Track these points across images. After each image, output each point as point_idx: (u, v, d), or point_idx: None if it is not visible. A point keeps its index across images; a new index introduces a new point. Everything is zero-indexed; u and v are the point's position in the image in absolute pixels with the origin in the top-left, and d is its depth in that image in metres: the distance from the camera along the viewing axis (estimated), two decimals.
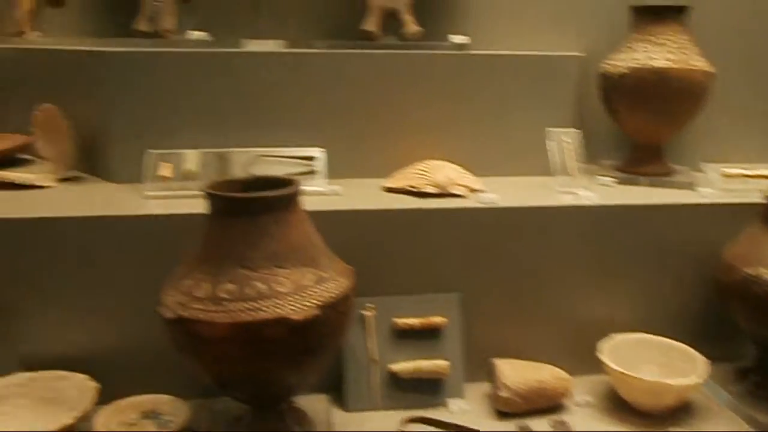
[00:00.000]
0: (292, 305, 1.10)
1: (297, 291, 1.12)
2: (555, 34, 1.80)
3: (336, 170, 1.57)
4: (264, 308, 1.09)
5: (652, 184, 1.62)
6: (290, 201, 1.16)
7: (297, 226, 1.17)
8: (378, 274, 1.43)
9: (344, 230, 1.39)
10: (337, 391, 1.41)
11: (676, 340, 1.47)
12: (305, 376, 1.21)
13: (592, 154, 1.75)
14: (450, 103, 1.64)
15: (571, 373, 1.46)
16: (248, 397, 1.24)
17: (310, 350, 1.15)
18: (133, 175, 1.55)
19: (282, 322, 1.09)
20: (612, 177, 1.65)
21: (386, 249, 1.44)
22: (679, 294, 1.54)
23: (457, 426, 1.33)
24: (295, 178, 1.21)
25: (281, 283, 1.11)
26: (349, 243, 1.36)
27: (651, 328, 1.51)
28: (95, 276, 1.37)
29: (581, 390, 1.46)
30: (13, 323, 1.38)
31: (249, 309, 1.09)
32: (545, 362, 1.45)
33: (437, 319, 1.43)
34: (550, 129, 1.58)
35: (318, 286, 1.14)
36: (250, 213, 1.12)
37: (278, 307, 1.10)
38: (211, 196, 1.14)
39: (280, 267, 1.12)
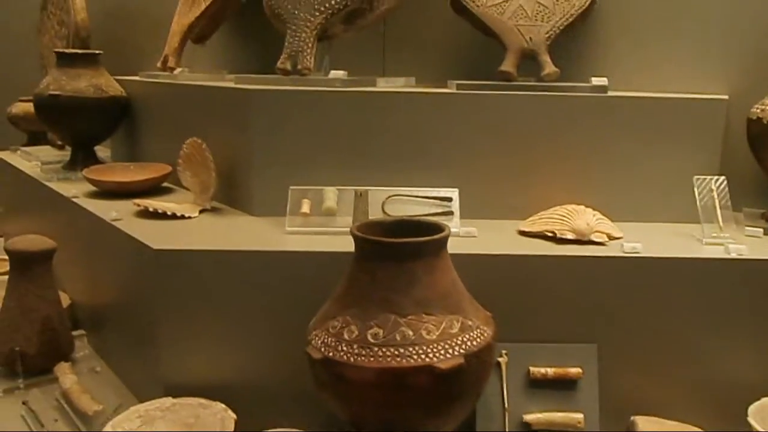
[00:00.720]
0: (438, 353, 1.10)
1: (443, 339, 1.11)
2: (698, 75, 1.73)
3: (469, 211, 1.56)
4: (411, 355, 1.09)
5: None
6: (439, 247, 1.17)
7: (444, 272, 1.17)
8: (513, 321, 1.40)
9: (480, 274, 1.37)
10: None
11: None
12: (444, 424, 1.20)
13: (735, 201, 1.67)
14: (588, 145, 1.61)
15: None
16: None
17: (452, 398, 1.15)
18: (271, 208, 1.60)
19: (427, 370, 1.09)
20: (760, 227, 1.57)
21: (522, 295, 1.41)
22: None
23: None
24: (444, 223, 1.21)
25: (429, 331, 1.11)
26: (484, 287, 1.35)
27: None
28: (236, 309, 1.41)
29: None
30: (158, 350, 1.44)
31: (396, 355, 1.10)
32: (686, 422, 1.39)
33: (573, 370, 1.39)
34: (697, 176, 1.52)
35: (463, 335, 1.14)
36: (401, 258, 1.13)
37: (425, 355, 1.10)
38: (361, 240, 1.16)
39: (429, 314, 1.12)
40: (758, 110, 1.57)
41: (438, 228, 1.19)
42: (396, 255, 1.13)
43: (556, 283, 1.41)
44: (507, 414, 1.37)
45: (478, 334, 1.15)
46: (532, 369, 1.39)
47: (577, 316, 1.42)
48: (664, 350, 1.43)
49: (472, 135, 1.61)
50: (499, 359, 1.39)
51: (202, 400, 1.39)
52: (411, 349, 1.10)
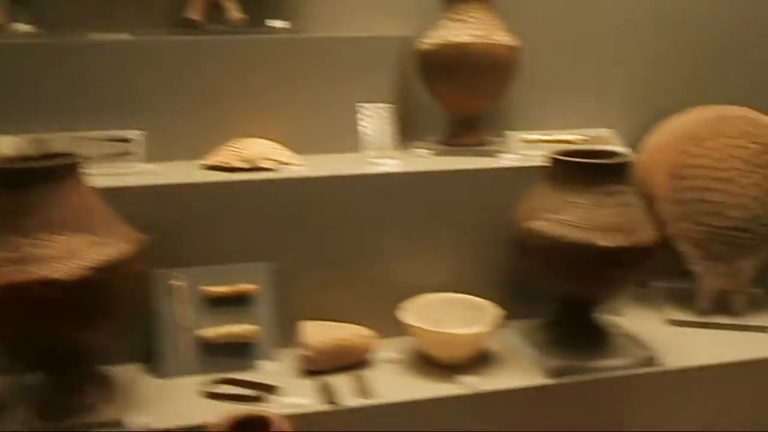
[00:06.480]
0: (62, 267, 1.16)
1: (69, 254, 1.18)
2: (383, 17, 1.87)
3: (161, 153, 1.63)
4: (34, 270, 1.15)
5: (461, 154, 1.72)
6: (65, 173, 1.23)
7: (74, 196, 1.23)
8: (191, 247, 1.50)
9: (155, 205, 1.47)
10: (151, 359, 1.47)
11: (491, 300, 1.55)
12: (94, 339, 1.28)
13: (424, 131, 1.85)
14: (273, 85, 1.72)
15: (385, 334, 1.54)
16: (42, 363, 1.29)
17: (89, 311, 1.22)
18: None
19: (52, 283, 1.15)
20: (430, 149, 1.74)
21: (198, 222, 1.50)
22: (487, 255, 1.62)
23: (256, 384, 1.39)
24: (72, 152, 1.28)
25: (53, 248, 1.17)
26: (160, 217, 1.45)
27: (463, 289, 1.59)
28: None
29: (390, 348, 1.53)
30: None
31: (19, 271, 1.15)
32: (363, 326, 1.53)
33: (247, 287, 1.50)
34: (362, 104, 1.66)
35: (92, 250, 1.21)
36: (23, 184, 1.18)
37: (48, 269, 1.15)
38: None
39: (54, 233, 1.18)
40: (420, 44, 1.73)
41: (64, 156, 1.25)
42: (17, 181, 1.18)
43: (227, 208, 1.51)
44: (185, 332, 1.46)
45: (111, 251, 1.22)
46: (209, 289, 1.49)
47: (252, 238, 1.53)
48: (335, 262, 1.57)
49: (160, 81, 1.67)
50: (174, 282, 1.48)
51: None
52: (34, 265, 1.15)
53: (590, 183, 1.41)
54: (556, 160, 1.45)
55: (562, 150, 1.47)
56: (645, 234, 1.41)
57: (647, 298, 1.80)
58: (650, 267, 1.49)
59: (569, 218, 1.39)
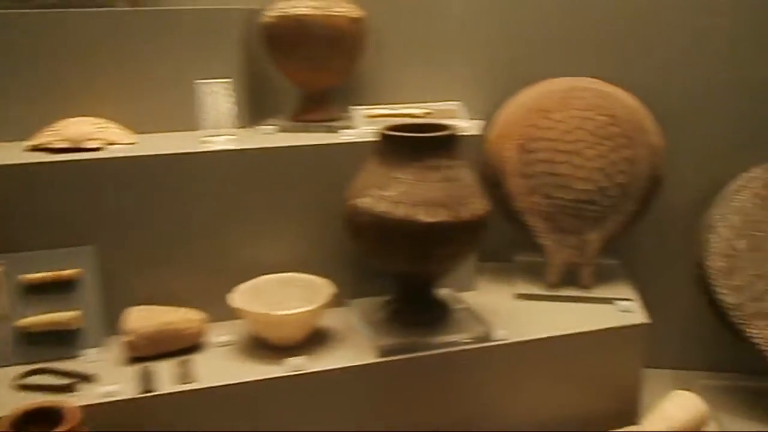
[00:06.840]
0: None
1: None
2: None
3: None
4: None
5: (306, 130, 1.67)
6: None
7: None
8: (9, 232, 1.43)
9: None
10: None
11: (333, 279, 1.52)
12: None
13: (277, 108, 1.80)
14: (110, 61, 1.64)
15: (222, 317, 1.50)
16: None
17: None
18: None
19: None
20: (276, 126, 1.69)
21: (16, 206, 1.43)
22: (328, 233, 1.58)
23: (72, 373, 1.34)
24: None
25: None
26: None
27: (305, 269, 1.56)
28: None
29: (224, 331, 1.49)
30: None
31: None
32: (199, 309, 1.48)
33: (69, 272, 1.44)
34: (199, 81, 1.60)
35: None
36: None
37: None
38: None
39: None
40: (264, 16, 1.67)
41: None
42: None
43: (48, 190, 1.44)
44: (3, 321, 1.40)
45: None
46: (26, 276, 1.42)
47: (75, 221, 1.46)
48: (167, 245, 1.52)
49: None
50: None
51: None
52: None
53: (415, 158, 1.38)
54: (382, 135, 1.41)
55: (390, 125, 1.44)
56: (471, 209, 1.39)
57: (506, 273, 1.80)
58: (485, 241, 1.48)
59: (393, 194, 1.36)
